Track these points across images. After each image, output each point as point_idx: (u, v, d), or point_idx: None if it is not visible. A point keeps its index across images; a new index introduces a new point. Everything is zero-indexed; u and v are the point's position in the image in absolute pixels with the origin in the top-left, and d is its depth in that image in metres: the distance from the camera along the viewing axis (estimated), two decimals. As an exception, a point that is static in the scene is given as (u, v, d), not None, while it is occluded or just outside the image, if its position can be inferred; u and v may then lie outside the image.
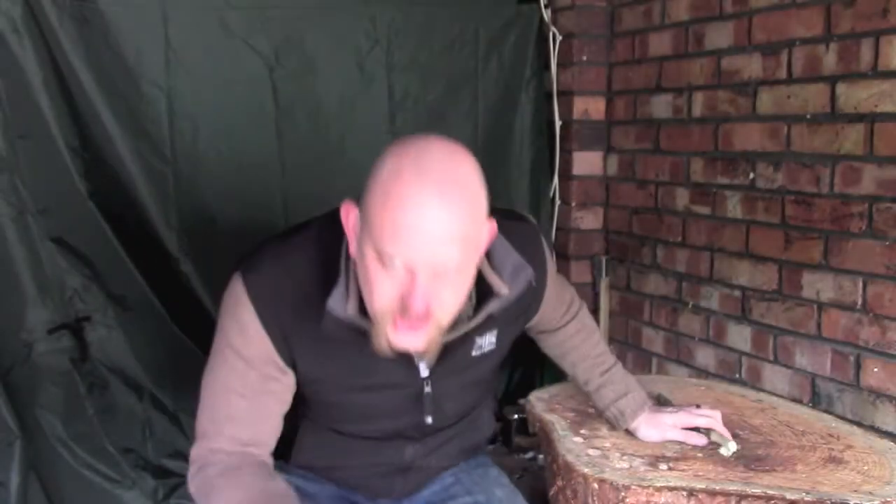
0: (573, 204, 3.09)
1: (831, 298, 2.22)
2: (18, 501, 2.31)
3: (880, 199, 2.08)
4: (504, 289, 1.34)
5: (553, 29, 3.05)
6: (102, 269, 2.50)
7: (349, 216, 1.28)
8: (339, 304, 1.28)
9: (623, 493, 1.42)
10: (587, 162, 3.09)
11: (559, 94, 3.09)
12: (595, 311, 3.11)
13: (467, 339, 1.40)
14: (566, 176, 3.10)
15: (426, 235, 1.17)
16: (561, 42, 3.06)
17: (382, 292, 1.21)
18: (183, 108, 2.49)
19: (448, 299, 1.23)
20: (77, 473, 2.44)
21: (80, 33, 2.37)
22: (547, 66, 3.08)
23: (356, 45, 2.69)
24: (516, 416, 2.70)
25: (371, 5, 2.70)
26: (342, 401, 1.43)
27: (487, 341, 1.45)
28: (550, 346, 1.76)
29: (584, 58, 3.04)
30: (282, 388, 1.39)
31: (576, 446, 1.59)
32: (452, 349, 1.36)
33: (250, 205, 2.57)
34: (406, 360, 1.37)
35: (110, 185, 2.47)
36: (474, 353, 1.44)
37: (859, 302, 2.15)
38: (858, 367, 2.16)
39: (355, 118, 2.71)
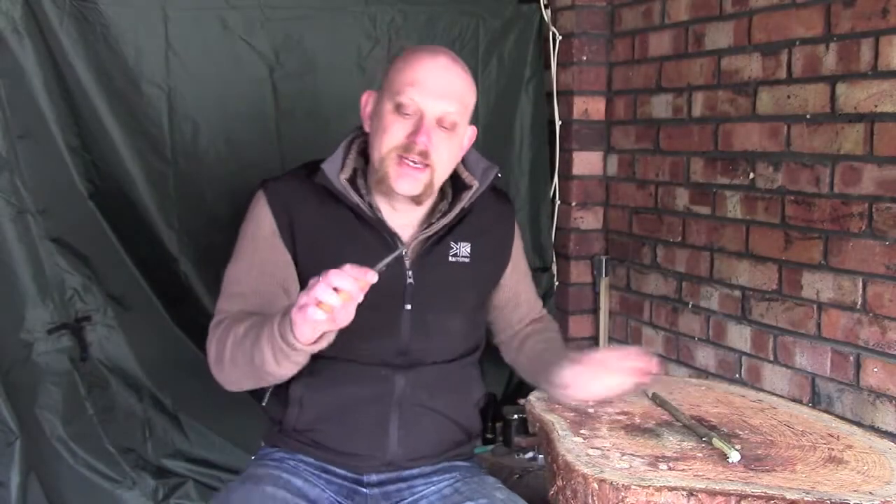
0: (573, 204, 3.09)
1: (831, 298, 2.22)
2: (18, 501, 2.31)
3: (880, 199, 2.08)
4: (475, 181, 1.67)
5: (553, 29, 3.05)
6: (102, 269, 2.50)
7: (367, 102, 1.67)
8: (332, 170, 1.60)
9: (623, 493, 1.42)
10: (587, 162, 3.09)
11: (559, 93, 3.09)
12: (595, 311, 3.11)
13: (443, 242, 1.67)
14: (566, 176, 3.10)
15: (436, 87, 1.57)
16: (561, 42, 3.06)
17: (394, 134, 1.56)
18: (183, 108, 2.50)
19: (442, 154, 1.57)
20: (77, 473, 2.44)
21: (80, 33, 2.37)
22: (547, 66, 3.08)
23: (356, 45, 2.69)
24: (516, 416, 2.70)
25: (371, 5, 2.70)
26: None
27: (462, 250, 1.69)
28: (530, 347, 1.86)
29: (584, 58, 3.04)
30: (282, 271, 1.62)
31: (576, 446, 1.59)
32: (430, 249, 1.65)
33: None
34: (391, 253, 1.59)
35: (110, 185, 2.47)
36: (451, 257, 1.69)
37: (859, 302, 2.15)
38: (858, 367, 2.16)
39: (355, 118, 2.70)
